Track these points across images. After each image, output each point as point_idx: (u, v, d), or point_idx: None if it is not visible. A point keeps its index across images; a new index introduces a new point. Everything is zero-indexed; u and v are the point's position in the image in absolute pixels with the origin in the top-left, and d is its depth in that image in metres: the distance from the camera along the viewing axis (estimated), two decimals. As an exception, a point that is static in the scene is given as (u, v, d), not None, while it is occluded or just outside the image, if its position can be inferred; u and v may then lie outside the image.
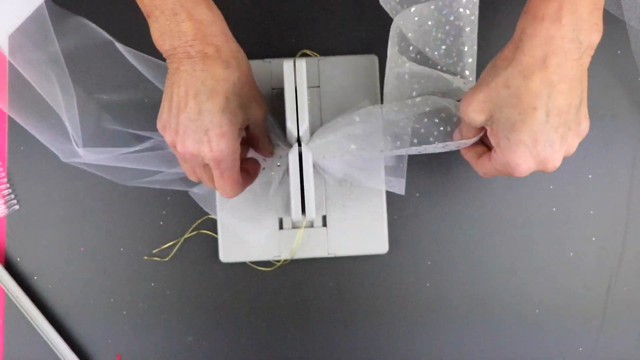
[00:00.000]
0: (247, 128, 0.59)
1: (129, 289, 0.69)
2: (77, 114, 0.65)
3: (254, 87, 0.57)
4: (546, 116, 0.50)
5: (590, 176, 0.70)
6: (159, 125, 0.56)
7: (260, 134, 0.61)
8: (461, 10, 0.57)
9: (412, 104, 0.61)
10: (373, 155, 0.62)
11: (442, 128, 0.61)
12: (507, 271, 0.69)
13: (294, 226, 0.67)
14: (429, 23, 0.59)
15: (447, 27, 0.58)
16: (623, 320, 0.69)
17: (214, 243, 0.68)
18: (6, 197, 0.69)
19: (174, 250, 0.69)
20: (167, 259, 0.68)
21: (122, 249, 0.69)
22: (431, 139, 0.60)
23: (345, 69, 0.68)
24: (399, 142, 0.61)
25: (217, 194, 0.67)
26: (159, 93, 0.58)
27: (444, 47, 0.60)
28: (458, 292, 0.69)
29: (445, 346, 0.69)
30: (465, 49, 0.59)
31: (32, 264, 0.69)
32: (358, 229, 0.67)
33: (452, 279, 0.69)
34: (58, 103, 0.66)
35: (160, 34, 0.53)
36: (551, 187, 0.70)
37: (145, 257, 0.68)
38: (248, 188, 0.63)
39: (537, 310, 0.69)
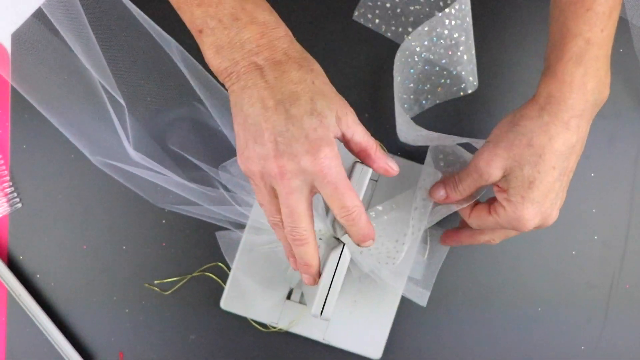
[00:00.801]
0: (346, 142, 0.51)
1: (131, 287, 0.69)
2: (127, 119, 0.62)
3: (329, 85, 0.49)
4: (560, 175, 0.53)
5: (592, 174, 0.70)
6: (242, 163, 0.49)
7: (364, 139, 0.51)
8: (453, 22, 0.58)
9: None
10: (398, 249, 0.61)
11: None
12: (509, 269, 0.69)
13: (301, 301, 0.67)
14: (425, 43, 0.59)
15: (441, 42, 0.59)
16: (625, 318, 0.69)
17: (217, 285, 0.68)
18: (9, 195, 0.69)
19: (176, 286, 0.68)
20: (167, 292, 0.68)
21: (124, 247, 0.69)
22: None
23: (408, 174, 0.66)
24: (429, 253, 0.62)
25: (242, 244, 0.65)
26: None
27: (444, 60, 0.60)
28: (460, 290, 0.69)
29: (446, 344, 0.69)
30: (465, 57, 0.60)
31: (35, 262, 0.69)
32: (359, 328, 0.66)
33: (453, 276, 0.69)
34: (102, 108, 0.63)
35: (217, 50, 0.47)
36: (553, 185, 0.70)
37: (146, 285, 0.68)
38: (270, 251, 0.63)
39: (539, 309, 0.69)
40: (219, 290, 0.67)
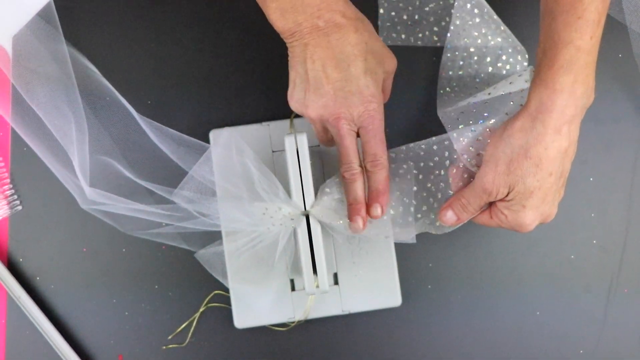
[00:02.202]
0: None
1: (131, 290, 0.69)
2: (87, 149, 0.64)
3: (380, 41, 0.58)
4: (556, 179, 0.55)
5: (591, 179, 0.71)
6: (295, 105, 0.58)
7: (390, 84, 0.61)
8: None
9: (407, 149, 0.63)
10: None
11: (437, 172, 0.62)
12: (508, 274, 0.69)
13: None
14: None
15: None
16: (624, 323, 0.69)
17: (225, 312, 0.68)
18: (9, 198, 0.69)
19: (190, 332, 0.68)
20: (184, 344, 0.68)
21: (124, 250, 0.69)
22: (429, 184, 0.62)
23: None
24: (398, 192, 0.62)
25: (226, 257, 0.66)
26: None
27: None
28: (459, 295, 0.69)
29: (446, 347, 0.69)
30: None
31: (35, 265, 0.69)
32: (370, 284, 0.67)
33: (452, 281, 0.69)
34: (69, 135, 0.64)
35: (282, 13, 0.54)
36: (552, 189, 0.70)
37: (164, 347, 0.68)
38: (254, 249, 0.64)
39: (538, 313, 0.69)
40: (229, 314, 0.67)
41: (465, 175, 0.60)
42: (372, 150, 0.57)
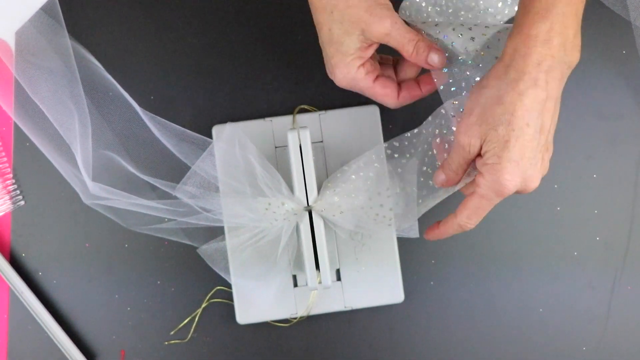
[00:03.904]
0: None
1: (133, 286, 0.69)
2: (90, 144, 0.64)
3: (354, 10, 0.55)
4: (535, 133, 0.52)
5: (594, 176, 0.70)
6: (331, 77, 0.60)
7: (399, 42, 0.57)
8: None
9: (411, 136, 0.62)
10: (380, 202, 0.62)
11: (430, 152, 0.61)
12: (511, 270, 0.69)
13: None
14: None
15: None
16: (627, 320, 0.69)
17: (228, 308, 0.69)
18: (12, 193, 0.69)
19: (193, 328, 0.69)
20: (186, 340, 0.68)
21: (126, 245, 0.69)
22: (424, 168, 0.61)
23: (346, 122, 0.68)
24: (402, 184, 0.61)
25: (229, 253, 0.66)
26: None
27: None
28: (462, 292, 0.69)
29: (448, 344, 0.69)
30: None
31: (37, 260, 0.69)
32: (372, 280, 0.67)
33: (455, 277, 0.69)
34: (72, 130, 0.64)
35: None
36: (555, 186, 0.70)
37: (166, 343, 0.68)
38: (257, 245, 0.64)
39: (541, 309, 0.69)
40: (231, 310, 0.68)
41: (446, 146, 0.58)
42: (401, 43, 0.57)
